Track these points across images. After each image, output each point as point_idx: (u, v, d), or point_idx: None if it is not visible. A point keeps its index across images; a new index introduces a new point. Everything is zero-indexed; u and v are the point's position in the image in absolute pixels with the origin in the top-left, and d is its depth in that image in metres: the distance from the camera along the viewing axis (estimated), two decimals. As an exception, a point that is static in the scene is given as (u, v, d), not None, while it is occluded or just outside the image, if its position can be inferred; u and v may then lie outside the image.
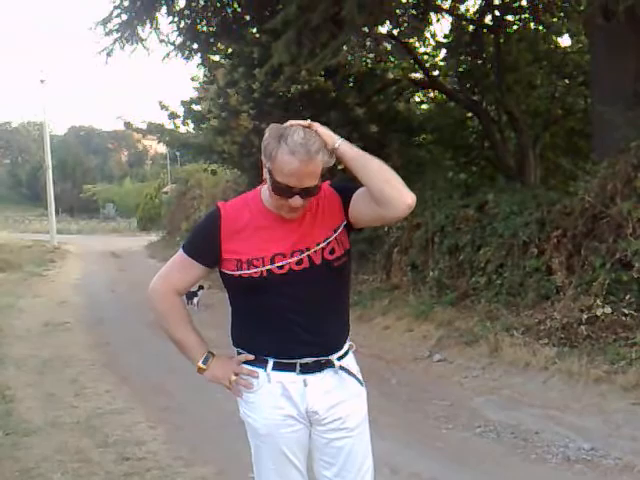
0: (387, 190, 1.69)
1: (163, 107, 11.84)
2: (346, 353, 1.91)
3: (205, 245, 1.84)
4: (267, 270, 1.76)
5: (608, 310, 5.38)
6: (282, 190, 1.70)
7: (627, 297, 5.35)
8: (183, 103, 12.05)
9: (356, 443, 1.89)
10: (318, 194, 1.77)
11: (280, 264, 1.77)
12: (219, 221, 1.82)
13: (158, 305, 1.90)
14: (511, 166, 10.01)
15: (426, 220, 7.80)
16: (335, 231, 1.82)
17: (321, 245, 1.79)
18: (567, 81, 11.25)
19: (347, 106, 10.00)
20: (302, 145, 1.66)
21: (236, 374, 1.86)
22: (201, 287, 9.73)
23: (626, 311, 5.29)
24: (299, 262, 1.78)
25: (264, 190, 1.84)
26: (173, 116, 11.87)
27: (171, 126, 12.11)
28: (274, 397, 1.83)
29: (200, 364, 1.88)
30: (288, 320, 1.79)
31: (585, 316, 5.44)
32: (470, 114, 11.39)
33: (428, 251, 7.72)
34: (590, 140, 8.42)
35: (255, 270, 1.76)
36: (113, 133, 69.32)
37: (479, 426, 4.34)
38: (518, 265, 6.44)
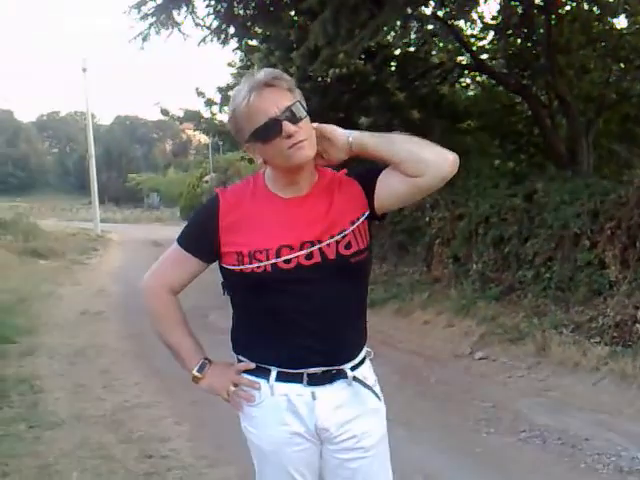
0: (424, 155, 1.51)
1: (200, 94, 11.71)
2: (362, 361, 1.65)
3: (202, 237, 1.62)
4: (272, 265, 1.53)
5: (666, 307, 5.01)
6: (269, 128, 1.48)
7: (688, 294, 4.95)
8: (219, 89, 11.89)
9: (373, 465, 1.64)
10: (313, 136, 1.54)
11: (287, 257, 1.53)
12: (217, 210, 1.60)
13: (150, 304, 1.68)
14: (562, 154, 9.51)
15: (470, 210, 7.45)
16: (353, 223, 1.58)
17: (335, 238, 1.55)
18: (622, 65, 10.64)
19: (387, 91, 9.66)
20: (253, 75, 1.52)
21: (235, 385, 1.64)
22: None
23: (686, 309, 4.89)
24: (309, 256, 1.54)
25: (267, 172, 1.62)
26: (210, 103, 11.73)
27: (208, 113, 11.97)
28: (278, 412, 1.59)
29: (195, 372, 1.65)
30: (294, 323, 1.56)
31: (640, 314, 5.07)
32: (519, 99, 10.91)
33: (471, 243, 7.36)
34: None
35: (258, 264, 1.53)
36: (158, 123, 70.19)
37: (523, 431, 4.03)
38: (569, 258, 6.06)
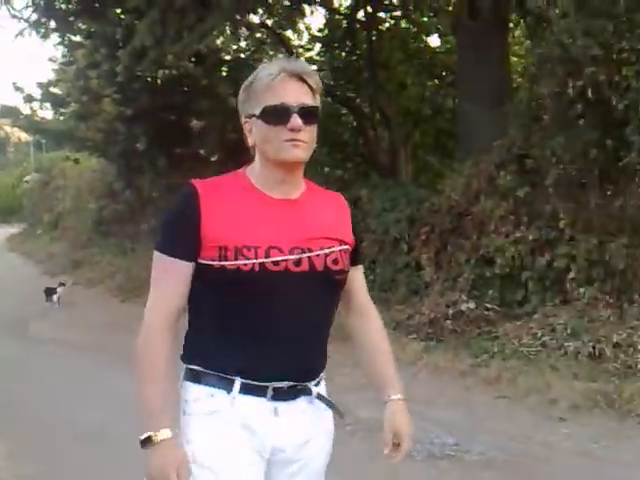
0: None
1: (18, 89, 10.86)
2: (319, 381, 1.56)
3: (187, 234, 1.41)
4: (260, 264, 1.38)
5: (472, 305, 5.55)
6: (278, 112, 1.40)
7: (490, 292, 5.55)
8: (40, 85, 11.14)
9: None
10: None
11: (276, 259, 1.40)
12: (197, 200, 1.41)
13: (142, 348, 1.42)
14: (384, 163, 10.15)
15: (300, 216, 7.67)
16: (341, 245, 1.51)
17: (324, 251, 1.47)
18: (436, 81, 11.58)
19: (219, 95, 9.65)
20: (289, 60, 1.51)
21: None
22: (62, 283, 9.14)
23: (489, 306, 5.47)
24: (297, 263, 1.43)
25: (250, 169, 1.50)
26: (30, 99, 10.93)
27: (27, 109, 11.17)
28: (233, 426, 1.44)
29: (160, 435, 1.37)
30: (271, 331, 1.43)
31: (451, 311, 5.57)
32: (345, 110, 11.44)
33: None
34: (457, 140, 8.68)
35: (245, 262, 1.38)
36: (-31, 118, 63.57)
37: (349, 424, 4.26)
38: (389, 261, 6.50)
